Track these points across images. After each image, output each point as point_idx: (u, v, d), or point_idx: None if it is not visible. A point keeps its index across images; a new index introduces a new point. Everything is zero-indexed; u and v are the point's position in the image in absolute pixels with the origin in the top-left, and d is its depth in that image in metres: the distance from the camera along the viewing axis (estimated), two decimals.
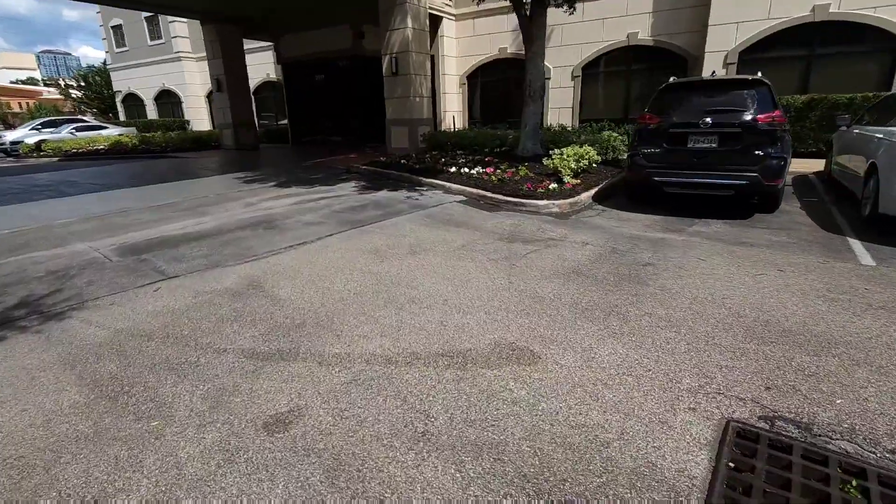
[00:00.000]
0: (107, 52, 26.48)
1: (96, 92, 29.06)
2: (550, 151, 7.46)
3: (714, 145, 5.35)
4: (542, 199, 6.24)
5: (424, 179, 8.54)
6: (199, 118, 24.41)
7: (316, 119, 17.80)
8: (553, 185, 6.55)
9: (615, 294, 3.53)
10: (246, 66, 17.23)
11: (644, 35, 12.03)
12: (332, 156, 13.77)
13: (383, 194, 7.80)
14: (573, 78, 13.22)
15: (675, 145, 5.48)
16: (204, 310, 3.48)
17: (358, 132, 16.45)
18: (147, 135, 18.57)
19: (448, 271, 4.10)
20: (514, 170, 7.69)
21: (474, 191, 7.16)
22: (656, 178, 5.57)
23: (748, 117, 5.26)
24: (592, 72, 13.14)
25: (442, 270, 4.12)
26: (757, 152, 5.19)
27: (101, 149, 16.95)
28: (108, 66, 27.38)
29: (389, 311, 3.35)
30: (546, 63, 13.74)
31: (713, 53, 10.78)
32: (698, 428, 2.08)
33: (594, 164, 7.75)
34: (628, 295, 3.51)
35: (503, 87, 14.64)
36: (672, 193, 5.66)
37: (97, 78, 29.33)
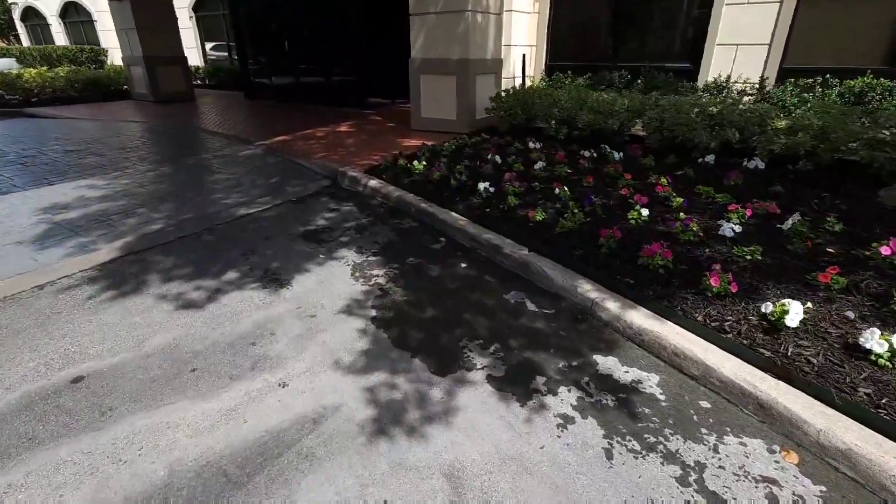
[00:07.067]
0: None
1: None
2: None
3: None
4: None
5: (611, 317, 2.38)
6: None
7: (285, 53, 10.79)
8: None
9: None
10: None
11: None
12: (307, 127, 7.32)
13: None
14: None
15: None
16: None
17: (356, 78, 9.65)
18: (15, 72, 11.63)
19: None
20: None
21: None
22: None
23: None
24: None
25: None
26: None
27: None
28: None
29: None
30: None
31: None
32: None
33: None
34: None
35: (624, 4, 7.85)
36: None
37: None
